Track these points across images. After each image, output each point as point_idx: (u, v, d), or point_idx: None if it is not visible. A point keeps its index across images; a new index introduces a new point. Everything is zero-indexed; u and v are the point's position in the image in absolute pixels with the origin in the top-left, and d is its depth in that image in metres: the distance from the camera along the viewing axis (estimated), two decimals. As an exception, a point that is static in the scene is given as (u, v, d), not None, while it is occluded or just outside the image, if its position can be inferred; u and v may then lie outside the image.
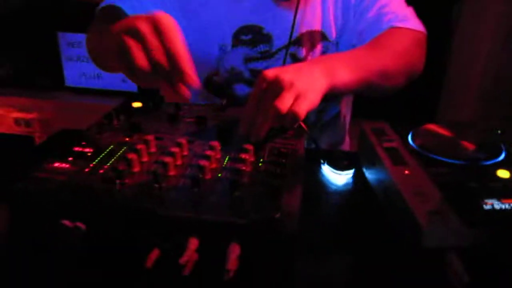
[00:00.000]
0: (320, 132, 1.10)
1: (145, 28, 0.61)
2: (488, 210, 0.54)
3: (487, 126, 0.76)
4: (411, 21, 0.93)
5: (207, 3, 0.95)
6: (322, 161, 0.82)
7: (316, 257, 0.60)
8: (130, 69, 0.61)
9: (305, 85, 0.68)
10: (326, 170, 0.82)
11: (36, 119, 2.00)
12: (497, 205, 0.55)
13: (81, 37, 1.96)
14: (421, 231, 0.52)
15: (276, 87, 0.68)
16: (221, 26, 0.96)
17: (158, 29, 0.61)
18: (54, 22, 2.02)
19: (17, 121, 2.01)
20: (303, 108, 0.67)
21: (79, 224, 0.54)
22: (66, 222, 0.54)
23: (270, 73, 0.69)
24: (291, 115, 0.66)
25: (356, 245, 0.61)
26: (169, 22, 0.62)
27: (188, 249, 0.52)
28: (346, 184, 0.79)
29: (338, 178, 0.80)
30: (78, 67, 1.99)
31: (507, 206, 0.55)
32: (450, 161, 0.64)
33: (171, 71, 0.62)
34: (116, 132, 0.76)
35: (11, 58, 2.12)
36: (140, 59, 0.60)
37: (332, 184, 0.79)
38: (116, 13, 0.89)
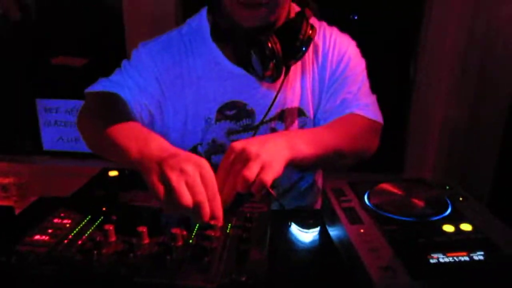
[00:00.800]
0: (298, 197, 1.16)
1: (193, 172, 0.69)
2: (434, 264, 0.60)
3: (436, 183, 0.83)
4: (371, 111, 1.03)
5: (196, 82, 1.03)
6: (289, 222, 0.88)
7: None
8: (172, 204, 0.67)
9: (269, 156, 0.75)
10: (294, 229, 0.87)
11: (13, 183, 2.01)
12: (442, 258, 0.61)
13: (58, 103, 2.01)
14: (375, 286, 0.57)
15: (244, 158, 0.74)
16: (208, 102, 1.04)
17: (202, 174, 0.70)
18: (32, 88, 2.08)
19: (-7, 187, 2.02)
20: (269, 176, 0.73)
21: (60, 295, 0.58)
22: (48, 294, 0.58)
23: (238, 145, 0.76)
24: (258, 182, 0.72)
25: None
26: (210, 169, 0.71)
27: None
28: (313, 242, 0.84)
29: (305, 236, 0.85)
30: (56, 131, 2.03)
31: (451, 259, 0.61)
32: (401, 218, 0.71)
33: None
34: (94, 203, 0.80)
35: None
36: (187, 199, 0.67)
37: (299, 242, 0.83)
38: (116, 103, 0.96)
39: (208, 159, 1.06)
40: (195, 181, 0.68)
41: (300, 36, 0.94)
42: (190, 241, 0.68)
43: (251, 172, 0.72)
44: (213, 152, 1.07)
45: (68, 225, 0.72)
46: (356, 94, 1.03)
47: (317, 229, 0.86)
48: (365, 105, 1.02)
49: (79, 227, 0.71)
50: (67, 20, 2.16)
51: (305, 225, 0.86)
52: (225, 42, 1.00)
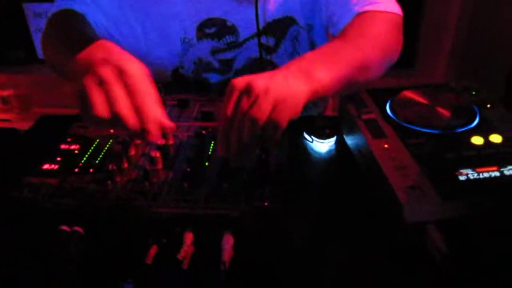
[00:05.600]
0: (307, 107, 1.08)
1: (112, 79, 0.56)
2: (463, 181, 0.57)
3: (462, 88, 0.78)
4: (384, 2, 0.85)
5: (164, 1, 0.93)
6: (304, 132, 0.84)
7: (305, 230, 0.63)
8: (88, 115, 0.56)
9: (282, 91, 0.59)
10: (309, 138, 0.84)
11: (13, 96, 1.97)
12: (472, 175, 0.58)
13: (48, 6, 1.89)
14: (402, 207, 0.55)
15: (249, 96, 0.59)
16: (181, 20, 0.94)
17: (126, 81, 0.56)
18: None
19: (-6, 99, 1.98)
20: (285, 114, 0.58)
21: (76, 228, 0.57)
22: (64, 228, 0.57)
23: (240, 81, 0.60)
24: (272, 124, 0.58)
25: (340, 218, 0.64)
26: (140, 74, 0.58)
27: (184, 243, 0.55)
28: (329, 152, 0.82)
29: (321, 146, 0.83)
30: (49, 38, 1.94)
31: (481, 175, 0.58)
32: (427, 130, 0.67)
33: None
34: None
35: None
36: (102, 109, 0.55)
37: (315, 152, 0.81)
38: (70, 19, 0.85)
39: (198, 77, 1.00)
40: (111, 89, 0.55)
41: None
42: (206, 163, 0.65)
43: (261, 111, 0.57)
44: (202, 70, 1.00)
45: (76, 151, 0.69)
46: None
47: (334, 138, 0.84)
48: None
49: (88, 153, 0.68)
50: None
51: (321, 134, 0.83)
52: None
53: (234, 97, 0.59)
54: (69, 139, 0.72)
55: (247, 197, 0.58)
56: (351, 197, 0.68)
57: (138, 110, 0.56)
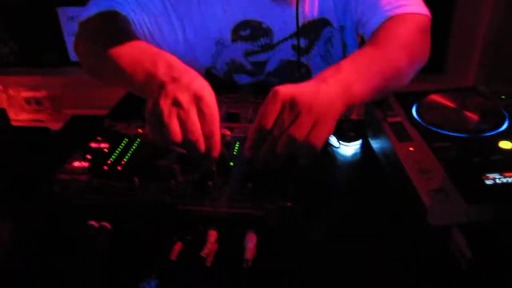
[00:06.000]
0: None
1: (189, 104, 0.60)
2: (490, 185, 0.56)
3: (490, 92, 0.77)
4: (413, 4, 0.86)
5: (203, 1, 0.94)
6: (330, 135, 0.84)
7: (327, 231, 0.63)
8: (162, 137, 0.60)
9: (324, 109, 0.60)
10: (334, 141, 0.84)
11: (46, 97, 2.02)
12: (499, 179, 0.57)
13: (81, 10, 1.94)
14: (426, 210, 0.55)
15: (292, 110, 0.59)
16: (218, 22, 0.95)
17: (200, 107, 0.61)
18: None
19: (27, 100, 2.04)
20: (322, 137, 0.60)
21: (104, 223, 0.58)
22: (93, 223, 0.59)
23: (285, 92, 0.61)
24: (308, 145, 0.59)
25: (364, 221, 0.64)
26: (212, 101, 0.62)
27: (208, 241, 0.56)
28: (354, 155, 0.82)
29: (346, 149, 0.83)
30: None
31: (509, 180, 0.57)
32: (453, 134, 0.66)
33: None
34: (129, 123, 0.78)
35: (14, 37, 2.12)
36: (177, 136, 0.59)
37: (340, 156, 0.81)
38: (113, 21, 0.85)
39: (230, 78, 1.01)
40: (189, 116, 0.60)
41: None
42: (231, 163, 0.66)
43: (301, 130, 0.58)
44: (234, 71, 1.01)
45: (106, 150, 0.71)
46: None
47: (359, 142, 0.83)
48: (411, 0, 0.86)
49: (117, 151, 0.70)
50: None
51: (346, 137, 0.83)
52: None
53: (277, 108, 0.60)
54: (98, 138, 0.74)
55: (270, 196, 0.58)
56: (375, 200, 0.67)
57: (208, 137, 0.61)
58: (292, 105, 0.59)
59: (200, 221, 0.58)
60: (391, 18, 0.83)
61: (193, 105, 0.60)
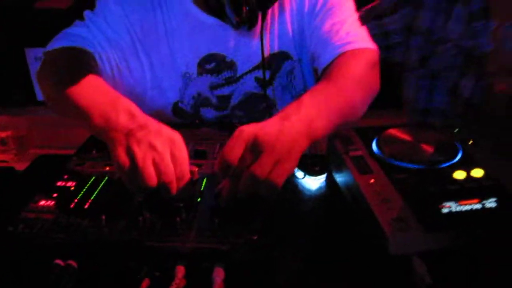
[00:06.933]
0: None
1: (163, 148, 0.63)
2: (446, 214, 0.59)
3: (445, 126, 0.81)
4: (361, 40, 0.92)
5: (170, 35, 0.97)
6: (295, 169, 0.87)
7: (294, 263, 0.64)
8: (135, 181, 0.62)
9: (286, 148, 0.63)
10: (300, 175, 0.86)
11: (11, 137, 2.00)
12: (454, 208, 0.60)
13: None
14: (387, 239, 0.57)
15: (255, 150, 0.62)
16: (184, 57, 0.98)
17: (172, 151, 0.64)
18: (21, 37, 2.01)
19: (-8, 139, 2.01)
20: (283, 175, 0.62)
21: (70, 262, 0.58)
22: (58, 262, 0.58)
23: (249, 132, 0.63)
24: (269, 183, 0.61)
25: (329, 251, 0.66)
26: (183, 145, 0.66)
27: (176, 277, 0.56)
28: (319, 188, 0.84)
29: (311, 183, 0.85)
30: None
31: (463, 208, 0.60)
32: (411, 166, 0.70)
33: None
34: (96, 162, 0.79)
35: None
36: (151, 179, 0.61)
37: (306, 189, 0.83)
38: (79, 58, 0.87)
39: (197, 113, 1.04)
40: (164, 160, 0.62)
41: None
42: (199, 199, 0.67)
43: (262, 168, 0.60)
44: (200, 105, 1.04)
45: (72, 188, 0.71)
46: (343, 25, 0.93)
47: (324, 175, 0.86)
48: (355, 36, 0.92)
49: (84, 190, 0.70)
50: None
51: (312, 171, 0.86)
52: None
53: (240, 148, 0.62)
54: (65, 176, 0.74)
55: (237, 231, 0.60)
56: (340, 231, 0.69)
57: (178, 178, 0.64)
58: (255, 145, 0.62)
59: (168, 257, 0.58)
60: (342, 54, 0.89)
61: (167, 149, 0.63)
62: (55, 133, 1.90)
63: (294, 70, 1.04)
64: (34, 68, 1.99)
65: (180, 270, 0.57)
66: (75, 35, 0.90)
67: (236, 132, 0.64)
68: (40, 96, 2.05)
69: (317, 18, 0.96)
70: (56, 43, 0.89)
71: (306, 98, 0.73)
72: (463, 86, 1.08)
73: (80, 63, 0.85)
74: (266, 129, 0.64)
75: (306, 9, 0.98)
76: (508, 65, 0.94)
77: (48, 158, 1.00)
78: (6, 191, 0.86)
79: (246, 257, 0.58)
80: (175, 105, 1.03)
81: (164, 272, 0.57)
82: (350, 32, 0.92)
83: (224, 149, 0.63)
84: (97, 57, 0.89)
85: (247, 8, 0.88)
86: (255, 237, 0.58)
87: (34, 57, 1.97)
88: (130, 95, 0.92)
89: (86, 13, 0.94)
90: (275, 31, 0.99)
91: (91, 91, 0.75)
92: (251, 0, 0.87)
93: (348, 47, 0.89)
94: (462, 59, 1.11)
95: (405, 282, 0.56)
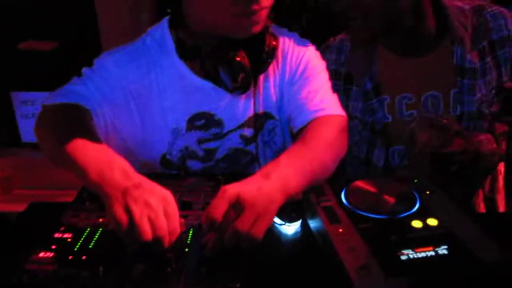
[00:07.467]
0: None
1: (157, 206, 0.71)
2: (404, 261, 0.68)
3: (406, 177, 0.91)
4: (332, 107, 1.05)
5: (162, 94, 1.05)
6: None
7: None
8: (132, 236, 0.69)
9: (265, 204, 0.73)
10: (277, 221, 0.94)
11: (-4, 178, 2.03)
12: (412, 255, 0.69)
13: (34, 95, 2.02)
14: (353, 284, 0.65)
15: (238, 207, 0.72)
16: (175, 114, 1.06)
17: (165, 208, 0.72)
18: (5, 79, 2.08)
19: (-24, 181, 2.04)
20: (263, 228, 0.72)
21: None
22: (60, 311, 0.64)
23: (232, 191, 0.73)
24: (250, 237, 0.70)
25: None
26: (174, 203, 0.74)
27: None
28: (295, 233, 0.91)
29: (288, 229, 0.92)
30: (33, 123, 2.04)
31: (419, 254, 0.69)
32: (374, 216, 0.79)
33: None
34: (90, 213, 0.85)
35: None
36: (147, 234, 0.68)
37: (283, 234, 0.90)
38: (78, 116, 0.94)
39: (183, 164, 1.12)
40: (158, 216, 0.70)
41: (265, 48, 0.98)
42: (186, 249, 0.74)
43: (244, 223, 0.70)
44: (187, 157, 1.11)
45: (69, 240, 0.78)
46: (318, 93, 1.05)
47: (299, 221, 0.93)
48: (328, 103, 1.05)
49: (80, 241, 0.77)
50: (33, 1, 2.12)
51: (287, 218, 0.93)
52: (192, 59, 1.02)
53: (224, 206, 0.72)
54: (61, 228, 0.81)
55: (222, 279, 0.67)
56: (313, 276, 0.76)
57: (170, 233, 0.71)
58: (237, 202, 0.72)
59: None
60: (315, 119, 1.01)
61: (160, 206, 0.71)
62: (39, 174, 1.94)
63: (275, 129, 1.14)
64: (19, 110, 2.05)
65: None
66: (73, 92, 0.98)
67: (220, 192, 0.73)
68: (24, 137, 2.10)
69: (295, 85, 1.08)
70: (56, 99, 0.97)
71: (283, 159, 0.84)
72: (376, 156, 1.22)
73: (77, 121, 0.92)
74: (247, 187, 0.75)
75: (286, 78, 1.10)
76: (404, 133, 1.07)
77: (40, 206, 1.05)
78: (2, 240, 0.91)
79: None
80: (163, 157, 1.10)
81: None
82: (324, 100, 1.05)
83: (209, 206, 0.72)
84: (93, 113, 0.96)
85: (243, 75, 0.97)
86: (238, 285, 0.66)
87: (20, 100, 2.02)
88: (121, 147, 1.01)
89: (84, 70, 1.01)
90: (260, 95, 1.09)
91: (88, 149, 0.83)
92: (246, 68, 0.97)
93: (321, 113, 1.02)
94: (368, 134, 1.25)
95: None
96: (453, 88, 1.16)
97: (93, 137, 0.87)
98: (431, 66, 1.17)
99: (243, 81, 0.99)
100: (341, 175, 0.95)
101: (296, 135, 1.05)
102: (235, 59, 0.96)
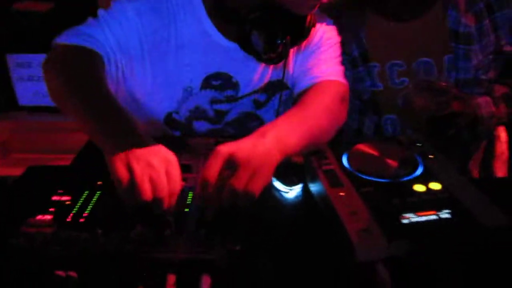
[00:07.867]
0: None
1: (160, 167, 0.68)
2: (406, 224, 0.68)
3: (409, 140, 0.90)
4: (338, 76, 1.04)
5: (180, 49, 1.00)
6: (274, 179, 0.93)
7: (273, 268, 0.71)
8: (131, 195, 0.67)
9: (260, 161, 0.71)
10: (279, 185, 0.93)
11: (-7, 142, 2.02)
12: (413, 218, 0.68)
13: (30, 57, 1.98)
14: (354, 247, 0.64)
15: (232, 165, 0.70)
16: (190, 72, 1.02)
17: (168, 169, 0.69)
18: (2, 44, 2.03)
19: (-26, 145, 2.03)
20: (259, 186, 0.70)
21: (71, 273, 0.64)
22: (59, 273, 0.64)
23: (225, 150, 0.71)
24: (246, 194, 0.69)
25: (305, 259, 0.72)
26: (177, 165, 0.71)
27: (167, 284, 0.63)
28: (296, 197, 0.91)
29: (288, 192, 0.92)
30: (30, 86, 2.01)
31: (421, 218, 0.69)
32: (376, 179, 0.78)
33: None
34: (89, 175, 0.84)
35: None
36: (147, 194, 0.66)
37: (283, 199, 0.90)
38: (90, 62, 0.90)
39: (190, 125, 1.10)
40: (160, 177, 0.68)
41: (306, 24, 0.96)
42: (186, 209, 0.74)
43: (240, 182, 0.69)
44: (195, 118, 1.09)
45: (67, 202, 0.77)
46: (326, 63, 1.05)
47: (300, 185, 0.93)
48: (335, 71, 1.05)
49: (79, 204, 0.76)
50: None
51: (288, 182, 0.93)
52: (225, 19, 0.98)
53: (218, 165, 0.70)
54: (59, 191, 0.80)
55: (221, 241, 0.67)
56: (314, 239, 0.76)
57: (171, 194, 0.69)
58: (231, 161, 0.71)
59: (159, 266, 0.65)
60: (316, 83, 1.01)
61: (163, 167, 0.69)
62: (37, 138, 1.93)
63: (288, 100, 1.12)
64: (15, 73, 2.01)
65: (171, 278, 0.63)
66: (88, 35, 0.92)
67: (214, 152, 0.72)
68: (21, 101, 2.07)
69: (306, 54, 1.07)
70: (69, 39, 0.92)
71: (280, 119, 0.84)
72: (367, 127, 1.21)
73: (88, 67, 0.88)
74: (241, 145, 0.73)
75: (302, 49, 1.07)
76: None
77: (38, 170, 1.04)
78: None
79: (230, 266, 0.65)
80: (169, 115, 1.07)
81: (157, 280, 0.63)
82: (328, 68, 1.04)
83: (203, 168, 0.71)
84: (105, 59, 0.92)
85: (282, 48, 0.96)
86: (238, 247, 0.65)
87: (16, 63, 1.98)
88: (128, 100, 0.98)
89: (101, 12, 0.96)
90: (280, 63, 1.05)
91: (96, 101, 0.80)
92: (287, 41, 0.95)
93: (321, 79, 1.01)
94: (359, 103, 1.22)
95: (371, 285, 0.64)
96: (446, 54, 1.12)
97: (104, 87, 0.84)
98: (422, 31, 1.13)
99: (280, 54, 0.97)
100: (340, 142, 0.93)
101: (296, 99, 1.04)
102: (278, 30, 0.94)
